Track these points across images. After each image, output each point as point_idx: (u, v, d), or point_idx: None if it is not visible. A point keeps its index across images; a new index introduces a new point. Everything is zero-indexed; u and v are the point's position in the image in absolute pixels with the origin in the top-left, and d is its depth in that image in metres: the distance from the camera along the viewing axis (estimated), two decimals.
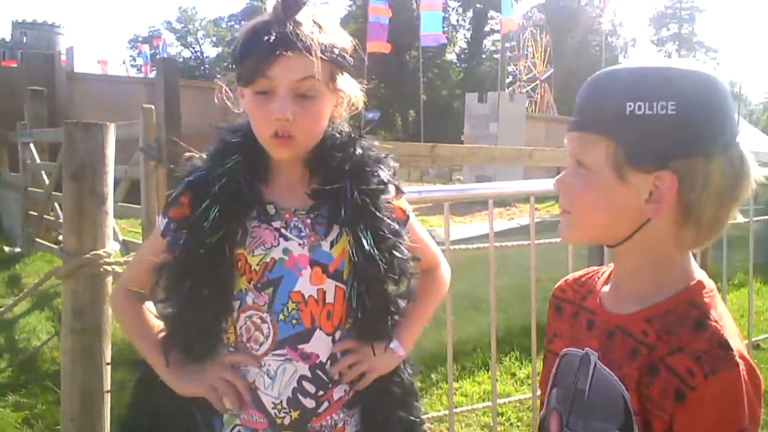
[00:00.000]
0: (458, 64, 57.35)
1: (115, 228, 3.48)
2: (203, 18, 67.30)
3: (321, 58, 1.20)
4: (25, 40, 58.68)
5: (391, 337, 1.36)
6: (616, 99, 0.97)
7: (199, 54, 64.85)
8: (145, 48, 48.48)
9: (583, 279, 1.20)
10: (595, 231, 1.06)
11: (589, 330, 1.10)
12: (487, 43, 57.68)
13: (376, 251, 1.27)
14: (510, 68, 35.37)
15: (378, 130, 49.17)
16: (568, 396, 1.10)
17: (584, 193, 1.02)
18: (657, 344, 0.97)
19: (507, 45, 33.40)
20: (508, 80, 36.78)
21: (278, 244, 1.26)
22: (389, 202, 1.34)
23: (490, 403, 2.53)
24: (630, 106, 0.95)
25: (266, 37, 1.18)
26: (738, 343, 0.95)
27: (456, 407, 3.38)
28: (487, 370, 4.16)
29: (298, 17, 1.21)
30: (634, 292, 1.05)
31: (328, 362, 1.31)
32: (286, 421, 1.28)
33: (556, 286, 1.25)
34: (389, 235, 1.30)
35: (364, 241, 1.26)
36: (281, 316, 1.27)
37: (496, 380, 2.34)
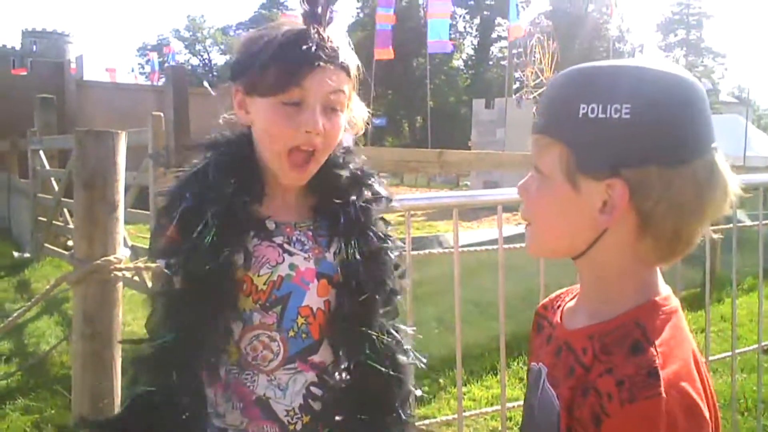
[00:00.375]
0: (465, 71, 57.35)
1: (125, 234, 3.50)
2: (211, 26, 67.60)
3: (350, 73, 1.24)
4: (35, 49, 59.06)
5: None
6: (569, 100, 0.90)
7: (207, 62, 65.13)
8: (155, 56, 48.72)
9: (561, 294, 1.14)
10: (554, 242, 0.98)
11: (547, 344, 1.05)
12: (494, 49, 57.69)
13: (367, 259, 1.29)
14: (517, 74, 35.36)
15: (385, 137, 49.30)
16: (525, 411, 1.07)
17: (540, 200, 0.96)
18: (593, 364, 0.89)
19: (514, 51, 33.38)
20: (515, 86, 36.74)
21: (283, 261, 1.25)
22: (382, 217, 1.36)
23: (499, 407, 2.52)
24: (583, 108, 0.87)
25: (305, 46, 1.16)
26: (678, 368, 0.85)
27: (464, 411, 3.38)
28: (495, 375, 4.16)
29: (330, 30, 1.21)
30: (588, 307, 0.98)
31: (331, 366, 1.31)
32: (298, 426, 1.28)
33: (540, 304, 1.19)
34: (381, 246, 1.32)
35: (357, 253, 1.27)
36: (291, 333, 1.26)
37: (506, 385, 2.33)
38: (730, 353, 2.87)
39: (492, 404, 3.77)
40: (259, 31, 1.24)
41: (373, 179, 1.36)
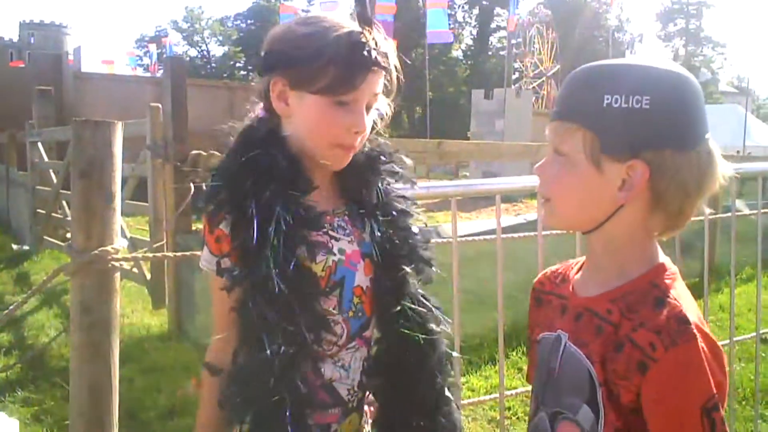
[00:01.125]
0: (464, 61, 57.25)
1: (122, 225, 3.50)
2: (210, 17, 67.36)
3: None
4: (32, 41, 58.91)
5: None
6: (594, 92, 1.03)
7: (205, 53, 64.95)
8: (153, 48, 48.60)
9: (559, 270, 1.27)
10: (572, 216, 1.11)
11: (561, 314, 1.17)
12: (494, 39, 57.60)
13: (398, 236, 1.34)
14: (516, 64, 35.31)
15: (384, 127, 49.22)
16: (542, 377, 1.17)
17: (562, 179, 1.08)
18: (621, 322, 1.04)
19: (513, 41, 33.32)
20: (514, 76, 36.74)
21: (332, 247, 1.28)
22: (403, 195, 1.40)
23: (497, 395, 2.53)
24: (607, 98, 1.01)
25: (365, 51, 1.20)
26: (696, 318, 1.01)
27: (462, 401, 3.38)
28: (494, 365, 4.17)
29: (377, 32, 1.24)
30: (602, 276, 1.11)
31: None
32: (354, 403, 1.33)
33: (535, 280, 1.31)
34: (407, 222, 1.38)
35: (386, 228, 1.33)
36: (350, 313, 1.31)
37: (504, 375, 2.34)
38: (728, 342, 2.87)
39: (491, 394, 3.78)
40: (305, 24, 1.24)
41: (393, 159, 1.40)
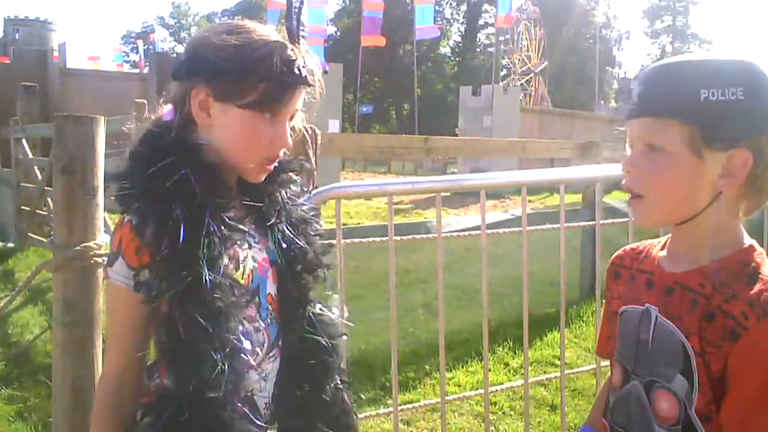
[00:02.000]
0: (452, 58, 57.28)
1: (106, 220, 3.47)
2: (196, 13, 67.12)
3: None
4: (17, 37, 58.32)
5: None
6: (690, 87, 1.08)
7: None
8: (141, 44, 48.34)
9: (640, 248, 1.32)
10: (672, 209, 1.15)
11: (648, 289, 1.21)
12: (482, 36, 57.64)
13: (299, 244, 1.35)
14: (504, 61, 35.38)
15: (372, 124, 49.19)
16: (632, 348, 1.22)
17: (661, 173, 1.12)
18: (713, 294, 1.09)
19: (501, 38, 33.38)
20: (502, 73, 36.80)
21: (246, 255, 1.28)
22: (303, 204, 1.42)
23: (482, 391, 2.53)
24: (704, 92, 1.06)
25: (295, 68, 1.20)
26: None
27: (449, 396, 3.39)
28: (480, 360, 4.17)
29: (304, 47, 1.25)
30: (691, 255, 1.16)
31: None
32: (268, 417, 1.31)
33: (614, 255, 1.36)
34: (308, 229, 1.39)
35: (291, 236, 1.34)
36: (268, 320, 1.30)
37: (489, 369, 2.34)
38: None
39: (476, 389, 3.79)
40: (232, 33, 1.21)
41: (291, 167, 1.39)
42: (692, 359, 1.09)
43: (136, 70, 42.17)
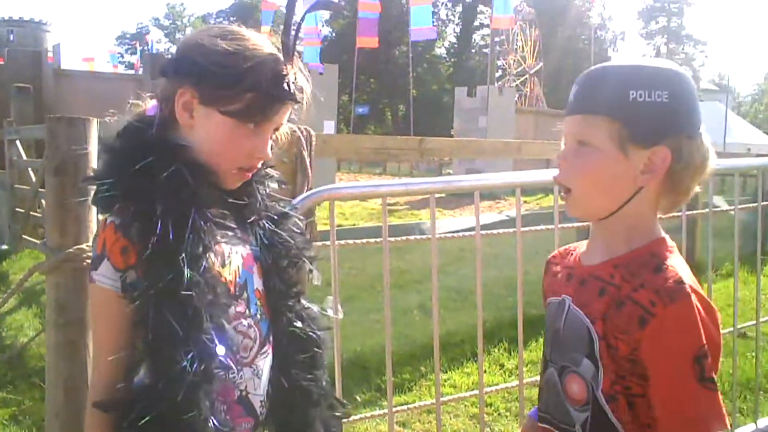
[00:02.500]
0: (448, 59, 57.29)
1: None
2: (191, 14, 67.04)
3: None
4: (12, 38, 58.13)
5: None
6: (620, 87, 1.16)
7: None
8: (137, 45, 48.27)
9: (570, 248, 1.40)
10: (597, 202, 1.22)
11: (567, 282, 1.30)
12: (477, 37, 57.68)
13: (281, 239, 1.35)
14: (499, 62, 35.41)
15: (368, 125, 49.18)
16: (549, 338, 1.31)
17: (589, 167, 1.19)
18: (622, 284, 1.17)
19: (496, 39, 33.40)
20: (497, 74, 36.81)
21: (231, 251, 1.27)
22: (283, 199, 1.42)
23: (477, 392, 2.53)
24: (633, 93, 1.15)
25: (285, 84, 1.20)
26: (691, 281, 1.14)
27: (444, 397, 3.38)
28: (476, 361, 4.17)
29: (297, 64, 1.25)
30: (608, 248, 1.24)
31: None
32: (264, 416, 1.30)
33: (552, 254, 1.44)
34: (288, 225, 1.39)
35: (272, 231, 1.34)
36: (258, 316, 1.29)
37: (484, 371, 2.34)
38: None
39: (472, 390, 3.79)
40: (226, 39, 1.21)
41: (269, 164, 1.39)
42: (596, 343, 1.18)
43: (132, 72, 42.08)
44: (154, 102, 1.28)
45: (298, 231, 1.41)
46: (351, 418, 2.60)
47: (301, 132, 2.73)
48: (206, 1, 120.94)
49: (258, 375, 1.28)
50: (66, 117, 2.05)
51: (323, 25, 39.55)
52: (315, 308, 1.41)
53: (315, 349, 1.36)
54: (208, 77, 1.18)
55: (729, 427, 1.13)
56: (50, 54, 23.86)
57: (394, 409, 2.28)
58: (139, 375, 1.16)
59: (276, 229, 1.35)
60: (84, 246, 2.00)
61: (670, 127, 1.17)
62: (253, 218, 1.32)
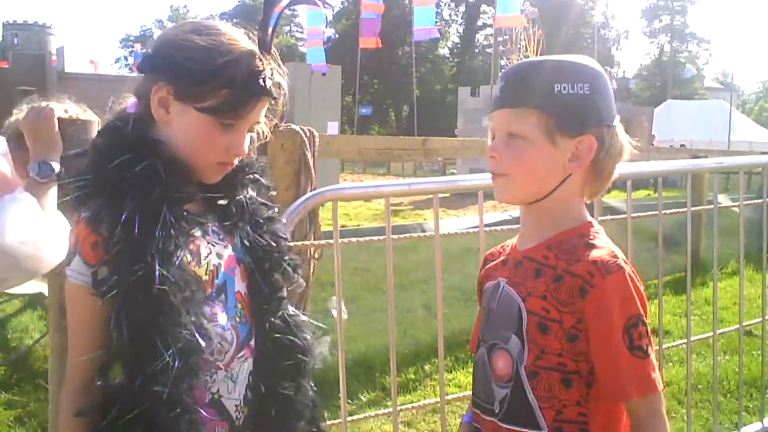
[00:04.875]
0: (451, 59, 57.31)
1: None
2: (195, 16, 67.05)
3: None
4: (16, 42, 58.32)
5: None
6: (545, 81, 1.23)
7: None
8: (139, 47, 48.39)
9: (506, 243, 1.46)
10: (529, 189, 1.28)
11: (503, 266, 1.37)
12: (480, 37, 57.66)
13: (265, 243, 1.33)
14: (503, 62, 35.38)
15: (371, 125, 49.19)
16: (483, 318, 1.37)
17: (521, 157, 1.25)
18: (557, 263, 1.25)
19: (499, 39, 33.36)
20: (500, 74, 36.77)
21: (210, 251, 1.25)
22: (267, 203, 1.39)
23: None
24: (557, 86, 1.22)
25: (260, 80, 1.19)
26: (621, 255, 1.24)
27: (448, 396, 3.37)
28: None
29: (274, 59, 1.24)
30: (539, 231, 1.31)
31: None
32: (241, 420, 1.28)
33: (487, 252, 1.51)
34: (274, 229, 1.37)
35: (255, 235, 1.32)
36: (237, 319, 1.27)
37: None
38: (711, 334, 2.88)
39: None
40: (200, 34, 1.20)
41: (255, 168, 1.38)
42: (524, 320, 1.24)
43: (135, 74, 42.17)
44: (133, 99, 1.27)
45: (283, 236, 1.39)
46: (355, 417, 2.60)
47: (305, 133, 2.73)
48: (209, 3, 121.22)
49: (233, 379, 1.26)
50: (67, 119, 2.04)
51: (327, 26, 39.54)
52: (303, 315, 1.39)
53: (300, 356, 1.34)
54: (182, 73, 1.17)
55: (662, 388, 1.21)
56: (54, 57, 23.94)
57: (398, 409, 2.27)
58: (116, 373, 1.15)
59: (259, 233, 1.33)
60: None
61: (593, 118, 1.24)
62: (235, 219, 1.30)
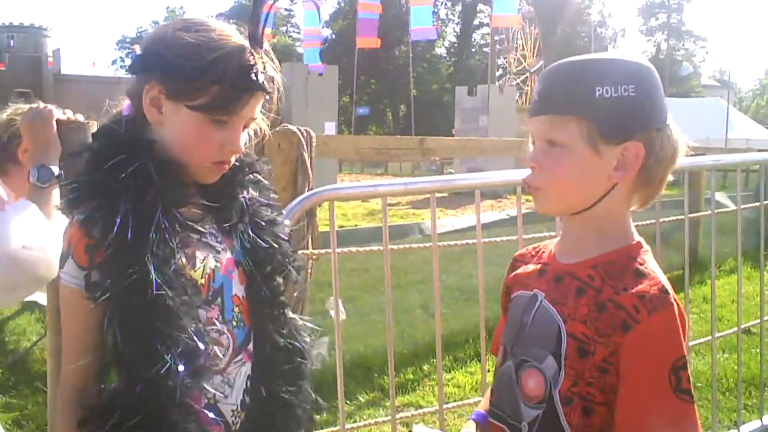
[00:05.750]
0: (448, 58, 57.32)
1: None
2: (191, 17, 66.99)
3: None
4: (12, 44, 58.22)
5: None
6: (585, 85, 1.13)
7: None
8: (137, 49, 48.45)
9: (540, 246, 1.38)
10: (571, 200, 1.19)
11: (540, 276, 1.27)
12: (477, 36, 57.70)
13: (269, 245, 1.31)
14: (500, 61, 35.39)
15: (369, 125, 49.18)
16: (513, 330, 1.27)
17: (560, 168, 1.17)
18: (603, 287, 1.15)
19: (496, 38, 33.37)
20: (498, 73, 36.79)
21: (207, 254, 1.23)
22: (269, 204, 1.37)
23: (481, 399, 2.51)
24: (599, 90, 1.12)
25: (252, 74, 1.16)
26: (671, 291, 1.13)
27: (449, 399, 3.37)
28: (479, 361, 4.16)
29: (266, 53, 1.22)
30: (582, 246, 1.22)
31: None
32: (238, 425, 1.27)
33: (516, 253, 1.42)
34: (275, 230, 1.35)
35: (254, 237, 1.30)
36: (234, 323, 1.26)
37: (488, 370, 2.33)
38: (710, 337, 2.88)
39: (476, 390, 3.78)
40: (190, 31, 1.18)
41: (255, 168, 1.36)
42: (563, 342, 1.16)
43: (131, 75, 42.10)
44: (128, 101, 1.26)
45: (285, 239, 1.37)
46: (354, 425, 2.59)
47: (302, 133, 2.73)
48: (205, 3, 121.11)
49: (229, 383, 1.24)
50: (62, 121, 2.04)
51: (323, 27, 39.55)
52: (300, 319, 1.38)
53: (299, 359, 1.33)
54: (173, 71, 1.16)
55: None
56: (50, 59, 23.91)
57: (397, 414, 2.27)
58: (112, 378, 1.14)
59: (260, 235, 1.31)
60: None
61: (640, 122, 1.15)
62: (233, 222, 1.28)
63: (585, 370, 1.13)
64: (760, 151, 10.14)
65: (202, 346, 1.13)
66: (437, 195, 2.25)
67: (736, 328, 2.97)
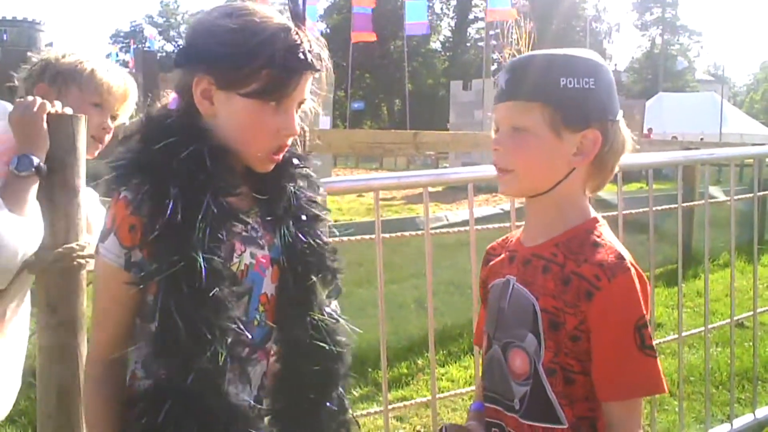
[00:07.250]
0: (443, 53, 57.27)
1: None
2: (185, 11, 66.87)
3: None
4: (5, 38, 57.96)
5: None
6: (551, 75, 1.23)
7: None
8: (131, 43, 48.24)
9: (507, 236, 1.47)
10: (534, 182, 1.28)
11: (510, 263, 1.36)
12: (472, 31, 57.64)
13: (308, 242, 1.28)
14: (494, 55, 35.38)
15: (364, 120, 49.15)
16: (493, 317, 1.35)
17: (526, 150, 1.25)
18: (565, 262, 1.24)
19: (491, 32, 33.35)
20: (493, 67, 36.78)
21: (245, 249, 1.21)
22: (315, 200, 1.34)
23: (473, 388, 2.51)
24: (563, 80, 1.22)
25: (300, 54, 1.14)
26: (628, 256, 1.23)
27: (442, 392, 3.37)
28: (473, 355, 4.16)
29: (310, 32, 1.19)
30: (545, 228, 1.30)
31: None
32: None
33: (488, 246, 1.49)
34: (318, 228, 1.32)
35: (297, 233, 1.27)
36: (256, 321, 1.23)
37: (480, 364, 2.32)
38: (703, 328, 2.88)
39: (470, 384, 3.77)
40: (231, 17, 1.16)
41: (304, 162, 1.34)
42: (539, 319, 1.24)
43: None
44: (174, 95, 1.24)
45: (326, 239, 1.33)
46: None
47: None
48: None
49: (242, 381, 1.22)
50: (53, 114, 2.02)
51: (318, 21, 39.45)
52: (339, 319, 1.34)
53: (329, 363, 1.29)
54: (220, 60, 1.14)
55: (667, 391, 1.21)
56: None
57: (389, 406, 2.26)
58: (137, 347, 1.16)
59: (302, 231, 1.27)
60: (74, 245, 1.97)
61: (598, 112, 1.24)
62: (279, 214, 1.26)
63: (561, 341, 1.22)
64: (754, 145, 10.17)
65: (249, 336, 1.14)
66: (431, 189, 2.25)
67: (728, 320, 2.98)
